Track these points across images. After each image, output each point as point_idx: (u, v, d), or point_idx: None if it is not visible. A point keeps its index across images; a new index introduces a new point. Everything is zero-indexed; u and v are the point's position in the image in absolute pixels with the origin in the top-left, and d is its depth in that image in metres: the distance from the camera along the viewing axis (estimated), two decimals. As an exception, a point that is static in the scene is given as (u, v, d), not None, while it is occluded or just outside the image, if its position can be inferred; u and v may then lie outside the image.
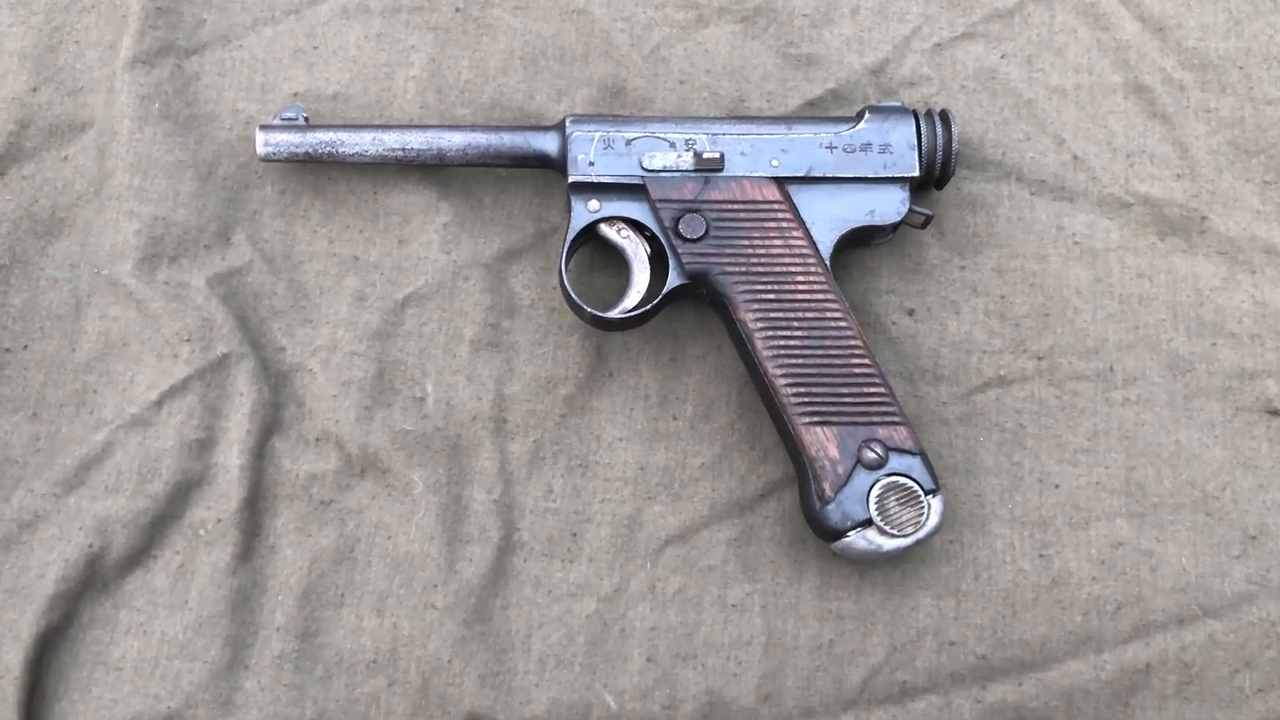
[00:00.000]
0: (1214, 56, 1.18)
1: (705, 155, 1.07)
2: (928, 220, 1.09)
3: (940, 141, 1.08)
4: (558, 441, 1.10)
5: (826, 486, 1.01)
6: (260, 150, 1.09)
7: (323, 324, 1.11)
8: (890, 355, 1.12)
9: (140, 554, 1.05)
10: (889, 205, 1.08)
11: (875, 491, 1.01)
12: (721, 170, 1.07)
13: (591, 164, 1.07)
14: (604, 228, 1.08)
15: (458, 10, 1.19)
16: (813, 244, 1.06)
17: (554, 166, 1.09)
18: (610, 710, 1.04)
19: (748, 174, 1.07)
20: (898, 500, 1.01)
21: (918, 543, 1.01)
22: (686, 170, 1.07)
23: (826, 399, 1.03)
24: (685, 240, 1.06)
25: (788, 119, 1.09)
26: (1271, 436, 1.09)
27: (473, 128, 1.10)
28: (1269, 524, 1.07)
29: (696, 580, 1.07)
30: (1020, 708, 1.03)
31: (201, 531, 1.06)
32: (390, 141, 1.09)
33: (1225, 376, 1.11)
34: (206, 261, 1.12)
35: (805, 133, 1.08)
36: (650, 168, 1.07)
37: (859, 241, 1.10)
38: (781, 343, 1.04)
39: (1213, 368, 1.11)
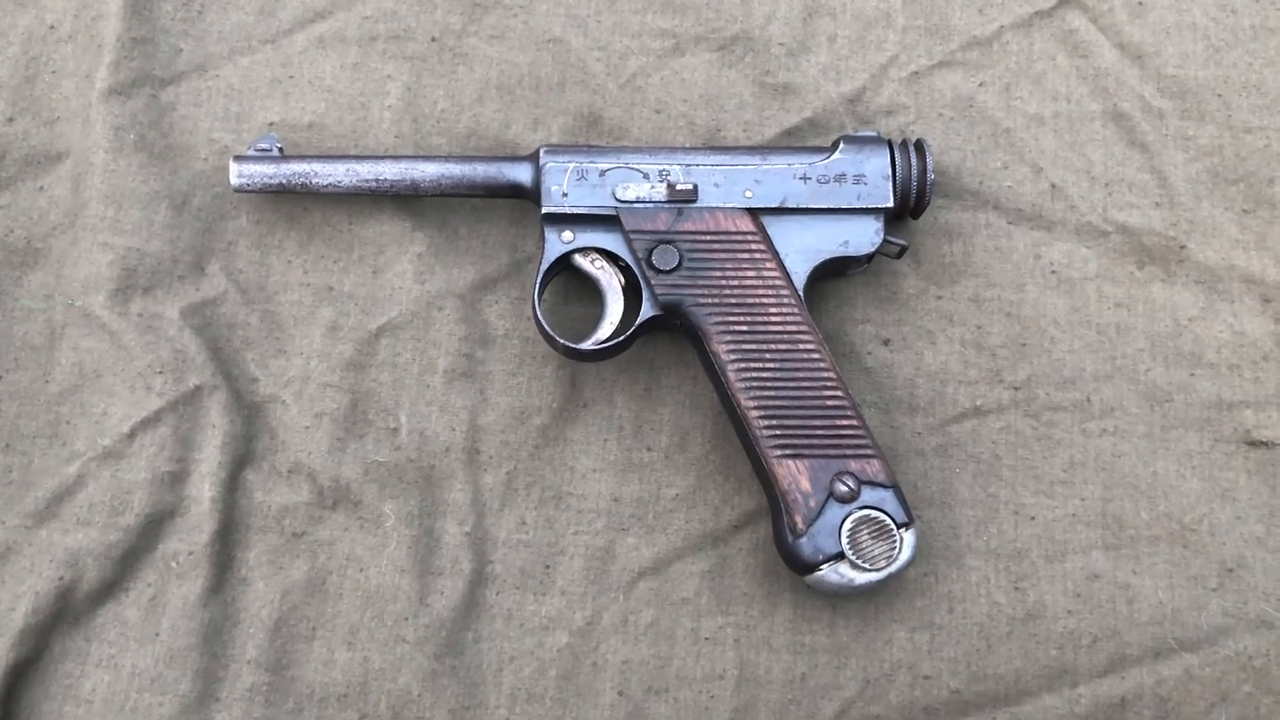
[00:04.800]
0: (1193, 84, 1.17)
1: (678, 186, 1.07)
2: (903, 250, 1.09)
3: (915, 171, 1.08)
4: (531, 473, 1.09)
5: (799, 520, 1.01)
6: (234, 181, 1.09)
7: (296, 355, 1.11)
8: (866, 385, 1.11)
9: (111, 586, 1.05)
10: (863, 236, 1.07)
11: (847, 525, 1.00)
12: (695, 201, 1.07)
13: (565, 195, 1.07)
14: (578, 258, 1.08)
15: (433, 40, 1.19)
16: (786, 275, 1.06)
17: (528, 197, 1.09)
18: (582, 744, 1.04)
19: (721, 205, 1.07)
20: (870, 534, 1.00)
21: (890, 577, 1.00)
22: (660, 201, 1.07)
23: (799, 431, 1.02)
24: (658, 271, 1.06)
25: (761, 149, 1.09)
26: (1249, 468, 1.09)
27: (446, 158, 1.10)
28: (1246, 556, 1.06)
29: (669, 613, 1.06)
30: (994, 742, 1.03)
31: (173, 564, 1.06)
32: (364, 172, 1.09)
33: (1203, 407, 1.10)
34: (180, 292, 1.12)
35: (779, 163, 1.08)
36: (624, 199, 1.07)
37: (834, 272, 1.10)
38: (754, 375, 1.03)
39: (1191, 398, 1.10)
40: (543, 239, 1.08)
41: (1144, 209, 1.15)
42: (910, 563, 1.01)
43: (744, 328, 1.04)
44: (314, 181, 1.09)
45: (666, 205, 1.07)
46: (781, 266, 1.06)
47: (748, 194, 1.07)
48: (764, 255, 1.06)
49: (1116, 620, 1.05)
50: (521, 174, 1.09)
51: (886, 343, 1.12)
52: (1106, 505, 1.08)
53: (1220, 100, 1.17)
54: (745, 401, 1.03)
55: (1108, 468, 1.09)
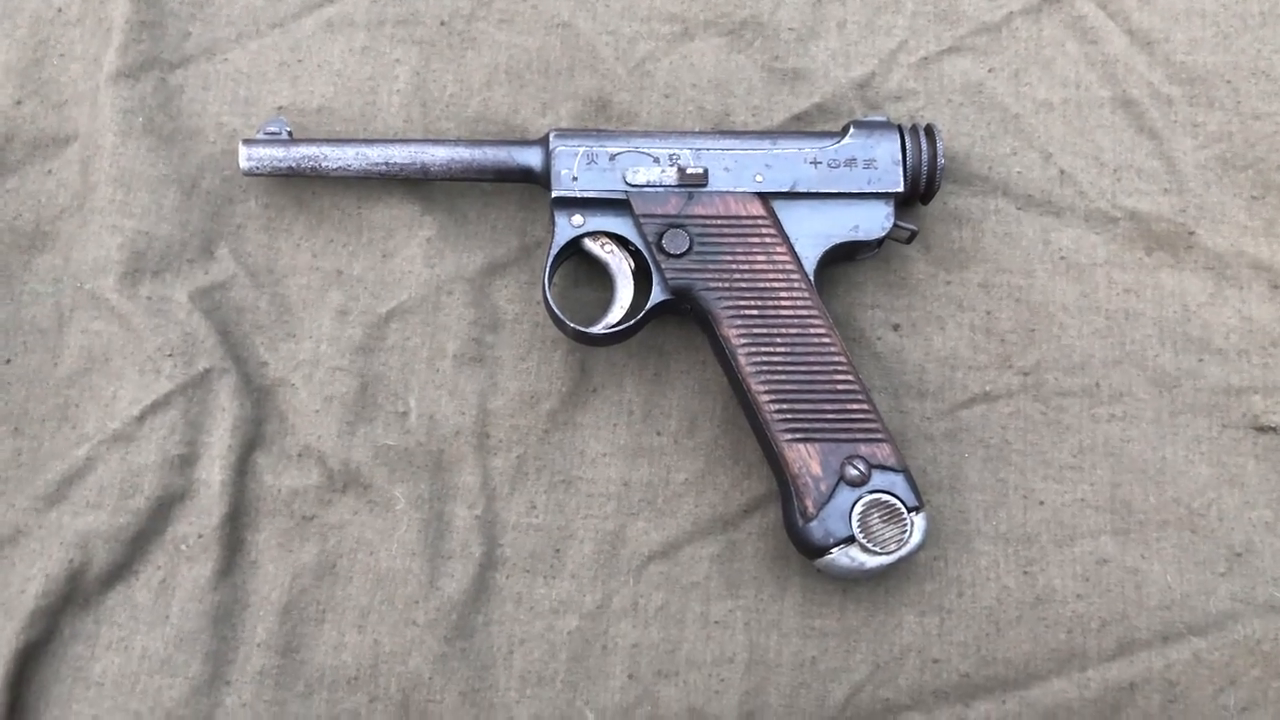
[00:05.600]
0: (1202, 71, 1.17)
1: (689, 170, 1.06)
2: (913, 235, 1.09)
3: (925, 157, 1.08)
4: (541, 457, 1.09)
5: (809, 503, 1.01)
6: (243, 164, 1.09)
7: (306, 338, 1.11)
8: (875, 370, 1.11)
9: (121, 569, 1.05)
10: (873, 221, 1.07)
11: (858, 509, 1.00)
12: (705, 185, 1.07)
13: (575, 179, 1.07)
14: (588, 242, 1.08)
15: (442, 24, 1.19)
16: (796, 259, 1.06)
17: (538, 181, 1.09)
18: (592, 727, 1.04)
19: (731, 189, 1.07)
20: (880, 518, 1.00)
21: (900, 560, 1.00)
22: (670, 185, 1.07)
23: (809, 415, 1.02)
24: (669, 255, 1.06)
25: (772, 134, 1.09)
26: (1258, 453, 1.09)
27: (456, 142, 1.09)
28: (1254, 541, 1.06)
29: (679, 597, 1.06)
30: (1003, 726, 1.03)
31: (183, 547, 1.06)
32: (374, 156, 1.09)
33: (1212, 393, 1.10)
34: (189, 276, 1.12)
35: (789, 148, 1.08)
36: (634, 183, 1.07)
37: (844, 256, 1.10)
38: (764, 359, 1.03)
39: (1199, 384, 1.10)
40: (552, 223, 1.08)
41: (1153, 195, 1.15)
42: (920, 546, 1.01)
43: (754, 312, 1.04)
44: (323, 165, 1.09)
45: (677, 189, 1.07)
46: (792, 251, 1.06)
47: (758, 178, 1.07)
48: (774, 239, 1.06)
49: (1125, 604, 1.06)
50: (531, 158, 1.09)
51: (896, 328, 1.12)
52: (1115, 490, 1.08)
53: (1229, 86, 1.17)
54: (756, 386, 1.03)
55: (1116, 453, 1.09)
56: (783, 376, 1.03)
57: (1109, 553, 1.07)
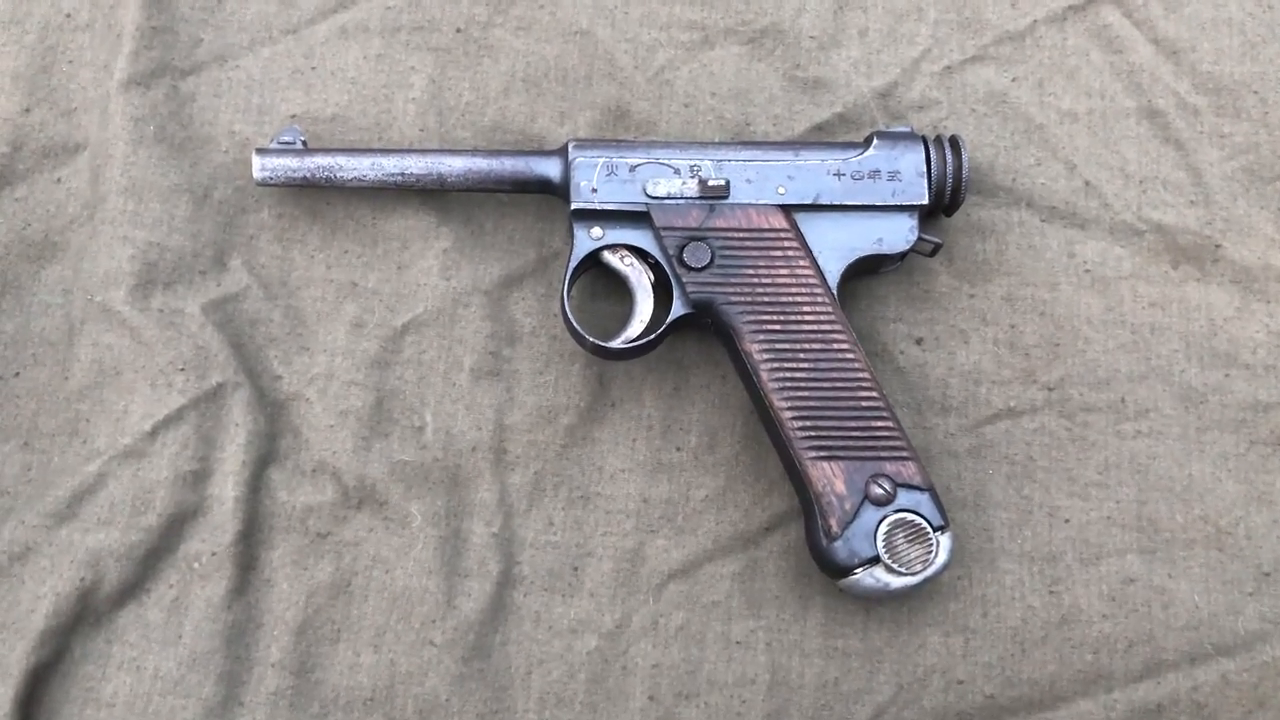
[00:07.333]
0: (1229, 81, 1.16)
1: (710, 182, 1.05)
2: (937, 248, 1.07)
3: (950, 168, 1.06)
4: (559, 473, 1.08)
5: (833, 523, 0.99)
6: (257, 175, 1.07)
7: (320, 352, 1.09)
8: (898, 385, 1.10)
9: (133, 588, 1.03)
10: (897, 234, 1.06)
11: (883, 529, 0.99)
12: (727, 198, 1.05)
13: (594, 190, 1.05)
14: (607, 255, 1.06)
15: (459, 31, 1.17)
16: (819, 273, 1.04)
17: (556, 192, 1.07)
18: (611, 749, 1.02)
19: (753, 201, 1.05)
20: (906, 538, 0.99)
21: (926, 581, 0.99)
22: (691, 197, 1.05)
23: (833, 433, 1.01)
24: (690, 269, 1.04)
25: (794, 145, 1.07)
26: (1286, 470, 1.07)
27: (473, 152, 1.08)
28: (1283, 560, 1.05)
29: (700, 616, 1.05)
30: (1029, 748, 1.02)
31: (196, 565, 1.04)
32: (389, 166, 1.07)
33: (1239, 408, 1.09)
34: (201, 288, 1.10)
35: (812, 159, 1.06)
36: (654, 195, 1.05)
37: (867, 270, 1.08)
38: (787, 374, 1.02)
39: (1226, 399, 1.09)
40: (571, 235, 1.06)
41: (1179, 207, 1.13)
42: (946, 566, 0.99)
43: (777, 327, 1.02)
44: (338, 175, 1.07)
45: (698, 201, 1.05)
46: (815, 264, 1.04)
47: (780, 190, 1.05)
48: (797, 253, 1.04)
49: (1152, 625, 1.04)
50: (550, 169, 1.07)
51: (919, 342, 1.11)
52: (1141, 508, 1.07)
53: (1256, 97, 1.15)
54: (778, 402, 1.01)
55: (1142, 470, 1.08)
56: (806, 392, 1.01)
57: (1135, 572, 1.05)
